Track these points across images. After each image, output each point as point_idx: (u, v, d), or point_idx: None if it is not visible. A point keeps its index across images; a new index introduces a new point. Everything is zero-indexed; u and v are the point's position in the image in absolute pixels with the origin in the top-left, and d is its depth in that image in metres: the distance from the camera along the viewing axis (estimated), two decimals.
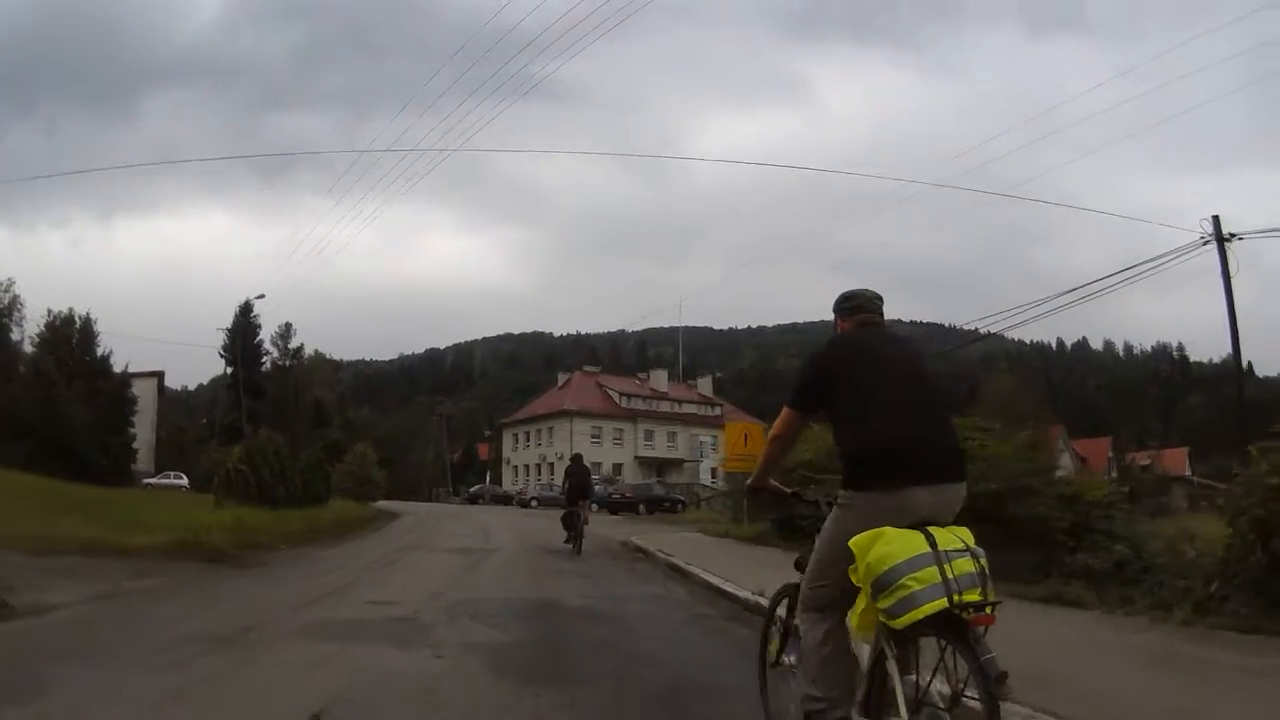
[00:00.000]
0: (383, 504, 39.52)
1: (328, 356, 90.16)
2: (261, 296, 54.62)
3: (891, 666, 3.19)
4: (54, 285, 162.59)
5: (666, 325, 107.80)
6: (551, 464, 75.08)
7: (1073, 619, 8.15)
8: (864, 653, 3.40)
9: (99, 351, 48.05)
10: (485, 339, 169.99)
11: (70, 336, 46.99)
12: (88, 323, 48.56)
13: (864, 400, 3.44)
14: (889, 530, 3.12)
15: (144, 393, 52.69)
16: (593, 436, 75.83)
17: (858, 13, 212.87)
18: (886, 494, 3.26)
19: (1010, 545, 10.61)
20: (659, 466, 76.25)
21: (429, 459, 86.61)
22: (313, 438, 58.47)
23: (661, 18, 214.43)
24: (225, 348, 58.68)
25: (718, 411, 78.37)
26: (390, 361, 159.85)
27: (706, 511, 38.85)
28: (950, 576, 2.98)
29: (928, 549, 3.04)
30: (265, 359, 68.21)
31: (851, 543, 3.17)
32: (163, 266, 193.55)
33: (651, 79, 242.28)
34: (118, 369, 48.16)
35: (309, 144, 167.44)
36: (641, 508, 43.60)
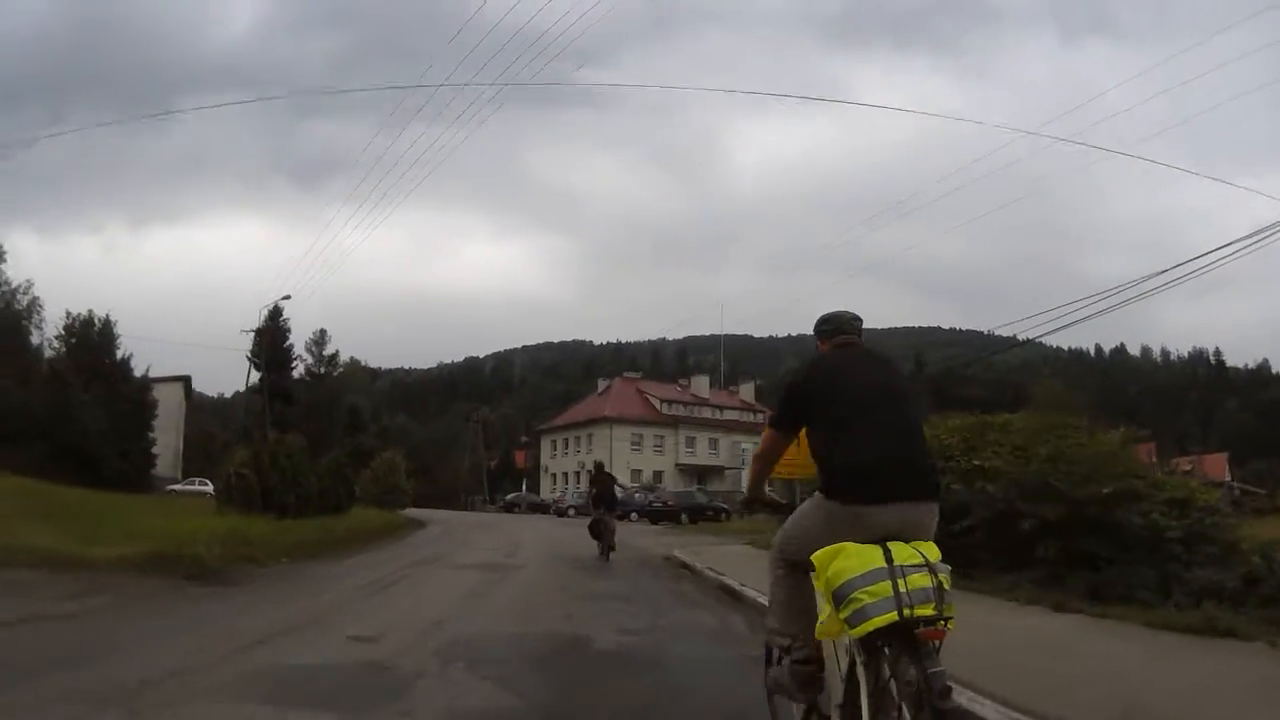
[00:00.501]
0: (412, 512, 38.33)
1: (364, 364, 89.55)
2: (287, 297, 52.89)
3: (860, 673, 3.22)
4: (85, 293, 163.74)
5: (706, 333, 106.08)
6: (590, 471, 73.30)
7: (1242, 656, 6.48)
8: (837, 660, 3.45)
9: (119, 354, 47.03)
10: (525, 347, 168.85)
11: (90, 339, 45.97)
12: (108, 324, 47.34)
13: (838, 421, 3.53)
14: (848, 545, 3.22)
15: (170, 398, 51.47)
16: (633, 443, 74.12)
17: (896, 19, 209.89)
18: (852, 507, 3.36)
19: (1123, 558, 8.84)
20: (700, 474, 74.29)
21: (465, 467, 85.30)
22: (345, 445, 57.34)
23: (700, 22, 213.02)
24: (254, 352, 56.99)
25: (760, 418, 76.27)
26: (429, 370, 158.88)
27: (750, 521, 36.81)
28: (903, 590, 3.06)
29: (883, 564, 3.12)
30: (296, 363, 66.46)
31: (814, 557, 3.29)
32: (197, 274, 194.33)
33: (691, 83, 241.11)
34: (139, 373, 46.98)
35: (343, 151, 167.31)
36: (683, 516, 41.48)
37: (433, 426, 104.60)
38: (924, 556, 3.18)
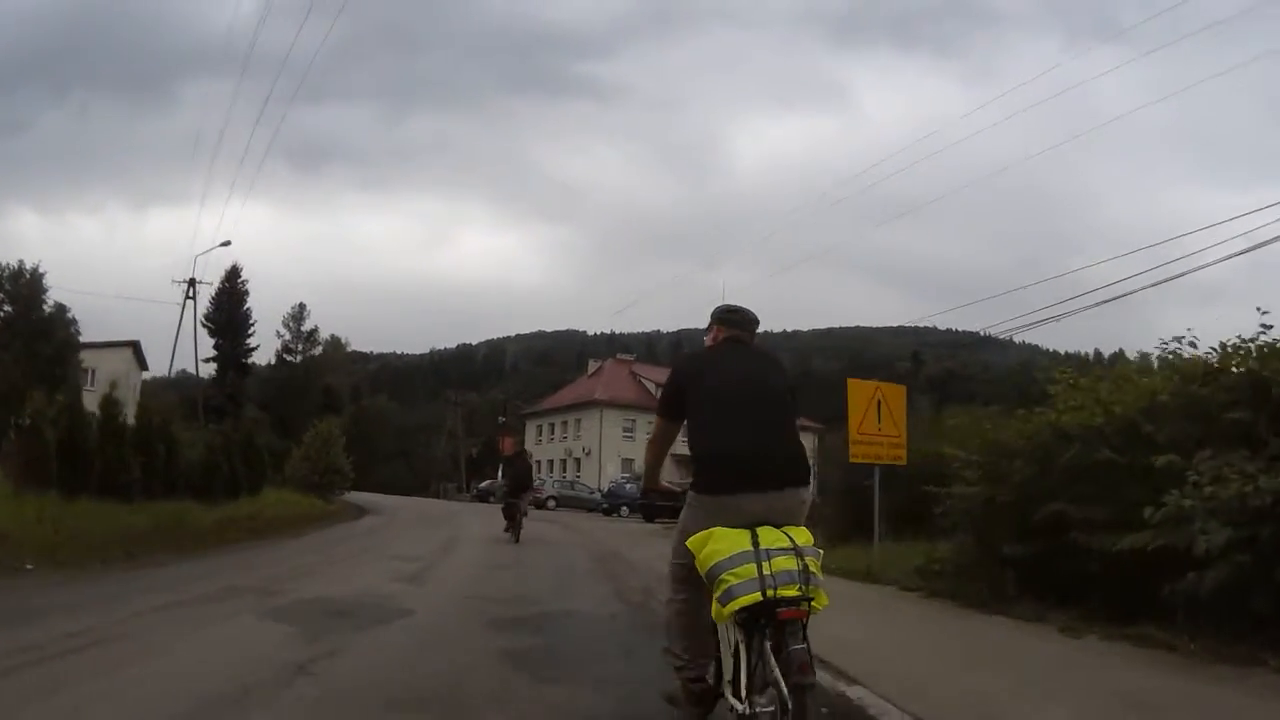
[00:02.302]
0: (360, 498, 33.00)
1: (345, 343, 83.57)
2: (227, 243, 43.54)
3: (740, 650, 3.30)
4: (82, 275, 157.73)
5: (701, 326, 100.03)
6: (578, 459, 66.98)
7: None
8: (728, 638, 3.47)
9: (47, 311, 41.59)
10: (518, 335, 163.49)
11: (17, 293, 40.66)
12: (36, 276, 41.86)
13: (708, 412, 3.71)
14: (718, 530, 3.36)
15: (114, 365, 44.51)
16: (625, 430, 67.53)
17: (901, 19, 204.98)
18: (720, 497, 3.53)
19: None
20: None
21: (441, 451, 79.26)
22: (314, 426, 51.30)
23: (705, 19, 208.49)
24: (208, 316, 49.69)
25: None
26: (421, 355, 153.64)
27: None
28: (767, 573, 3.18)
29: (749, 547, 3.24)
30: (252, 329, 58.29)
31: (689, 542, 3.47)
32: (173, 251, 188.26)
33: (693, 79, 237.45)
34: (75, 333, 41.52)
35: (344, 138, 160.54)
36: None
37: (418, 411, 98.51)
38: (791, 540, 3.32)
